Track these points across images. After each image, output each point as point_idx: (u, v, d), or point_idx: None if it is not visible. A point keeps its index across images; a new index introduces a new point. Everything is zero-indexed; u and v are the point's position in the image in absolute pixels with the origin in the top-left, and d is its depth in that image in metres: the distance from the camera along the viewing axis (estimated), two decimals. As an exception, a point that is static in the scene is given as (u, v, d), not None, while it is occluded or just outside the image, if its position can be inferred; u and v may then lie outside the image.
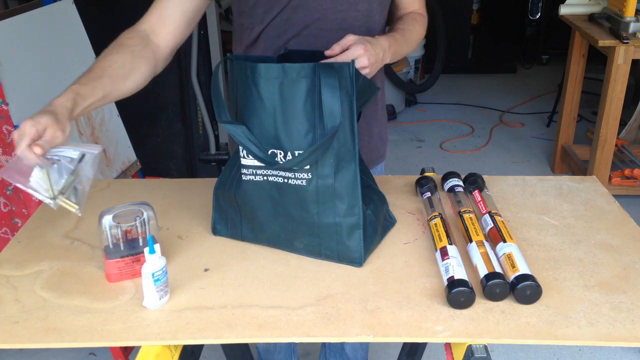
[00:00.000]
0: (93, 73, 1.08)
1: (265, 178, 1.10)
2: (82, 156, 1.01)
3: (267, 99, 1.05)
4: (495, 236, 1.11)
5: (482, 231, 1.14)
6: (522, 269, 1.01)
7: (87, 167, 1.01)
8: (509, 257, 1.04)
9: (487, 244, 1.09)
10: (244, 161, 1.10)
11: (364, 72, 1.07)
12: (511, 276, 1.00)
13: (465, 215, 1.17)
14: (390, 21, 1.39)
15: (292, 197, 1.08)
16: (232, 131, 1.07)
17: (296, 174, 1.06)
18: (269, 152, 1.06)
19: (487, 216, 1.17)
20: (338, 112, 1.01)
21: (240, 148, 1.09)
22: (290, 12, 1.23)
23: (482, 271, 1.02)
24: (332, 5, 1.23)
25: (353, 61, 1.02)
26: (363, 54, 1.07)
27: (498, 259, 1.07)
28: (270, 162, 1.06)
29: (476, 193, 1.27)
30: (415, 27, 1.32)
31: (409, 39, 1.28)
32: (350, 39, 1.09)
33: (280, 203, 1.10)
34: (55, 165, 0.98)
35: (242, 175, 1.11)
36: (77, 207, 1.01)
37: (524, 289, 0.98)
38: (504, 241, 1.09)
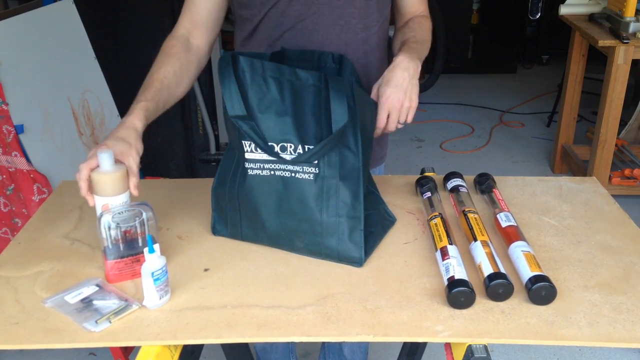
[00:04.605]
0: (154, 87, 1.18)
1: (272, 172, 1.10)
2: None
3: (281, 95, 1.08)
4: (514, 234, 1.12)
5: (498, 228, 1.16)
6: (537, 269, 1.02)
7: None
8: (531, 255, 1.05)
9: (491, 245, 1.09)
10: (249, 155, 1.11)
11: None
12: (531, 274, 1.01)
13: (470, 215, 1.17)
14: (395, 28, 1.39)
15: (297, 192, 1.09)
16: (244, 127, 1.08)
17: (304, 167, 1.08)
18: (279, 145, 1.08)
19: (508, 214, 1.19)
20: (344, 115, 1.03)
21: (246, 143, 1.10)
22: (286, 5, 1.25)
23: (487, 270, 1.02)
24: (328, 0, 1.24)
25: (352, 80, 1.07)
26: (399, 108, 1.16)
27: (511, 257, 1.08)
28: (280, 156, 1.08)
29: (496, 192, 1.29)
30: (423, 28, 1.35)
31: (424, 41, 1.32)
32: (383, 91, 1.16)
33: (285, 198, 1.10)
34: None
35: (249, 170, 1.12)
36: None
37: (540, 290, 0.98)
38: (524, 240, 1.10)
